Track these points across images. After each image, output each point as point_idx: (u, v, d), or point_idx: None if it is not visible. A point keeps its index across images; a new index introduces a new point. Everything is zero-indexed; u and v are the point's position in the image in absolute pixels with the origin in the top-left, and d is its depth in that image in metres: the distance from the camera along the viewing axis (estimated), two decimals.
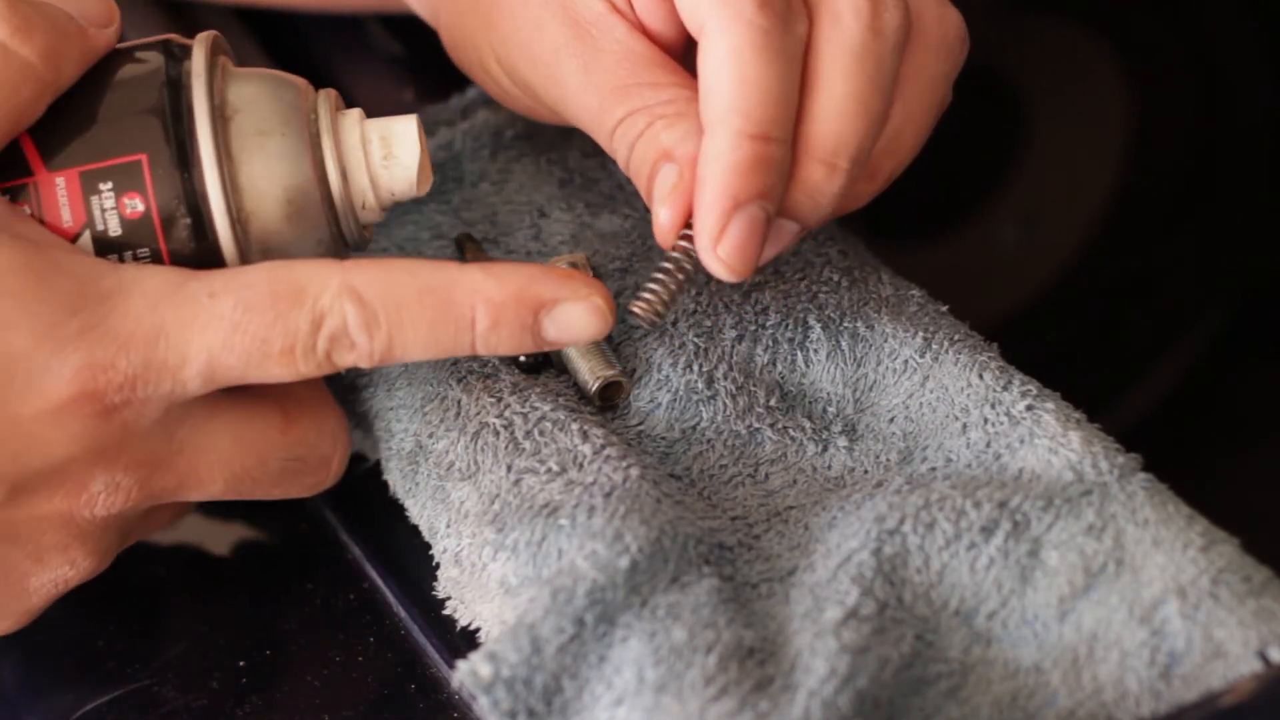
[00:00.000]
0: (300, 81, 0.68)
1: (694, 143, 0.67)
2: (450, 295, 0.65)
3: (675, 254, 0.68)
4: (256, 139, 0.66)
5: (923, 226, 1.11)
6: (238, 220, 0.66)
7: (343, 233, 0.68)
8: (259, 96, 0.67)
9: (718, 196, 0.66)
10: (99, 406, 0.63)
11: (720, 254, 0.66)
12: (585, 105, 0.70)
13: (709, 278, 0.70)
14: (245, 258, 0.66)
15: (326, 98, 0.68)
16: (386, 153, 0.68)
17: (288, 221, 0.67)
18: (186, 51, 0.67)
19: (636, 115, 0.69)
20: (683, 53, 0.71)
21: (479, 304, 0.65)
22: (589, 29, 0.70)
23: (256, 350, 0.64)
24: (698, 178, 0.66)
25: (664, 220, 0.68)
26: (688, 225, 0.68)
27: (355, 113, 0.69)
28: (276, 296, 0.64)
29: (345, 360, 0.65)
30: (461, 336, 0.65)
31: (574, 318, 0.66)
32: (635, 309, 0.69)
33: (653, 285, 0.69)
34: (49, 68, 0.65)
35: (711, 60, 0.66)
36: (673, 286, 0.69)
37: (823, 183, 0.67)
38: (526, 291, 0.65)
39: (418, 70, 0.88)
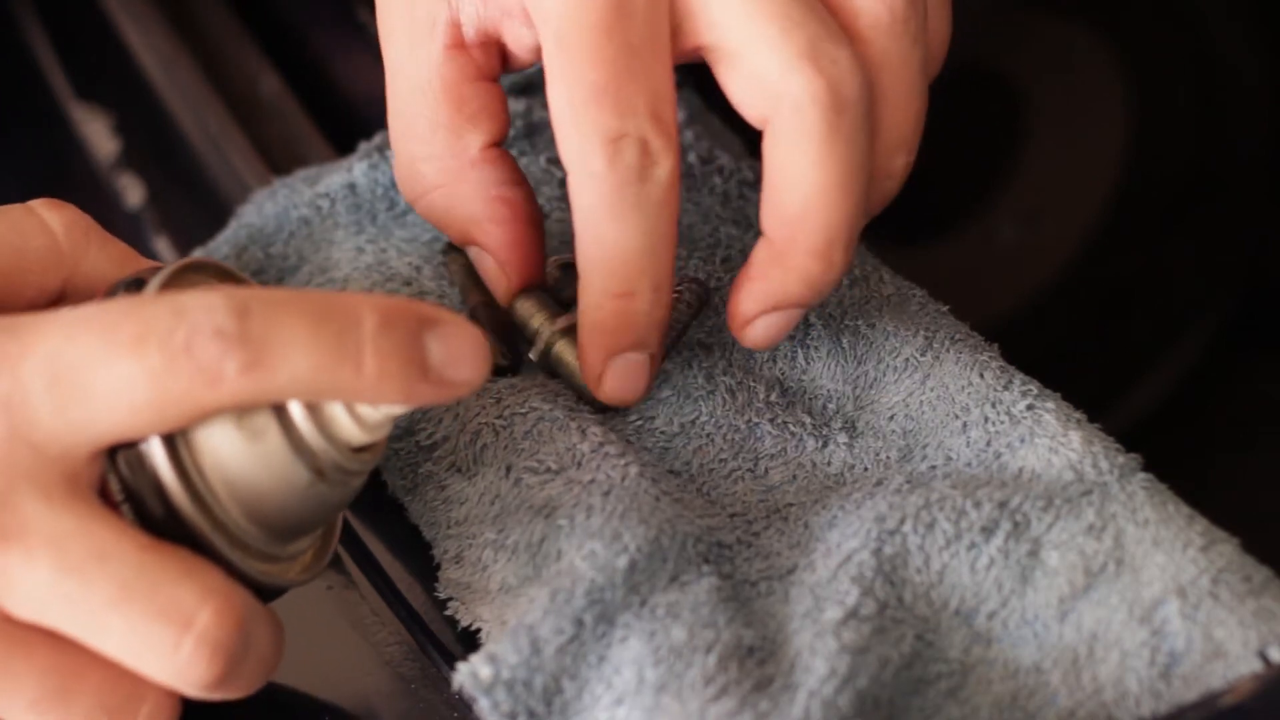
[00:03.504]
0: None
1: (491, 235, 0.70)
2: (335, 299, 0.59)
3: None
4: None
5: (923, 226, 1.11)
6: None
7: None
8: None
9: (592, 349, 0.68)
10: None
11: (604, 392, 0.69)
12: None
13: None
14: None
15: None
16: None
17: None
18: None
19: (410, 168, 0.71)
20: None
21: (366, 307, 0.59)
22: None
23: (100, 339, 0.58)
24: (578, 318, 0.68)
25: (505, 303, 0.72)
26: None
27: None
28: (139, 301, 0.59)
29: (207, 353, 0.57)
30: (347, 335, 0.58)
31: (458, 340, 0.60)
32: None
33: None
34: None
35: (573, 213, 0.67)
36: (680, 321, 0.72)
37: (822, 274, 0.67)
38: (412, 306, 0.60)
39: None
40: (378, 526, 0.72)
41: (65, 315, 0.59)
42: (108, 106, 0.95)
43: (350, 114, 0.89)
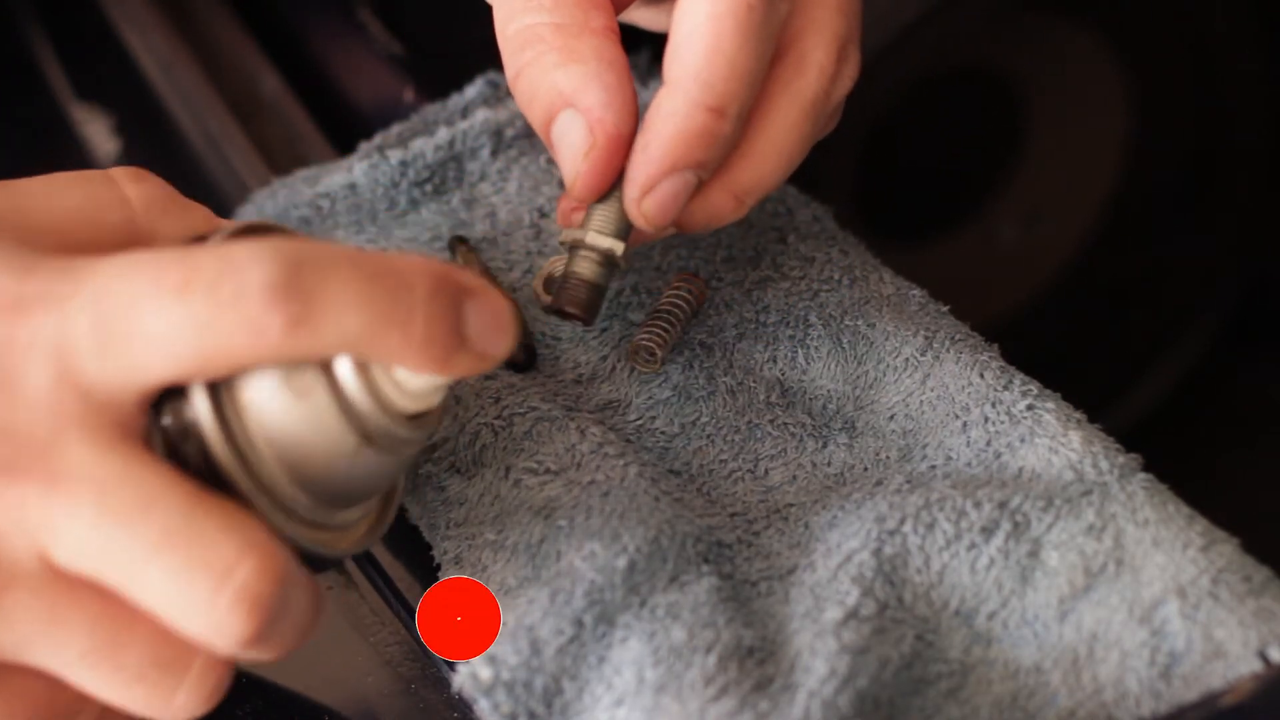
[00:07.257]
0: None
1: (594, 92, 0.66)
2: (386, 259, 0.58)
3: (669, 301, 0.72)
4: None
5: (923, 226, 1.11)
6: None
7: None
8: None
9: (660, 156, 0.66)
10: None
11: (644, 208, 0.67)
12: None
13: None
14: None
15: None
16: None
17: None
18: None
19: (528, 32, 0.68)
20: None
21: (417, 271, 0.58)
22: None
23: (147, 282, 0.56)
24: (645, 126, 0.66)
25: (579, 185, 0.67)
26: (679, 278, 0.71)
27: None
28: (190, 249, 0.58)
29: (254, 306, 0.56)
30: (400, 298, 0.57)
31: (492, 312, 0.59)
32: (643, 347, 0.72)
33: (656, 329, 0.72)
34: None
35: (689, 20, 0.66)
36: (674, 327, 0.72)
37: (727, 213, 0.69)
38: (454, 273, 0.59)
39: (418, 70, 0.88)
40: None
41: (118, 259, 0.58)
42: (108, 106, 0.95)
43: (350, 114, 0.89)
